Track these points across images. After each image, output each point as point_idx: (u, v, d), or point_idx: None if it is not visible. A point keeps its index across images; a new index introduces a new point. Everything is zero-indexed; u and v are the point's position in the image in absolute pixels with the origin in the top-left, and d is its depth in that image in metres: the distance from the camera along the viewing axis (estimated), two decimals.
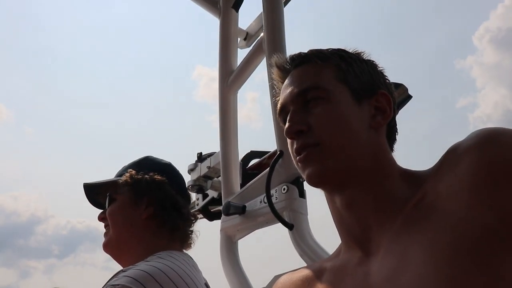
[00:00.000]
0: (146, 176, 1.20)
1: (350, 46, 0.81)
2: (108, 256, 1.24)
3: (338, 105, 0.73)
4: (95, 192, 1.28)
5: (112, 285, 0.94)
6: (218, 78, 1.97)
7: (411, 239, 0.62)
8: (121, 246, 1.18)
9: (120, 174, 1.25)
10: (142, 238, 1.16)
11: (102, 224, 1.25)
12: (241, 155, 2.01)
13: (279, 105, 0.79)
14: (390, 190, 0.70)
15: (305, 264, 1.35)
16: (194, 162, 2.22)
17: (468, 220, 0.58)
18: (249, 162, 2.09)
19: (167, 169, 1.26)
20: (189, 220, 1.24)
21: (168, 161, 1.31)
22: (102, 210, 1.25)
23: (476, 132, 0.64)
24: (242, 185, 1.83)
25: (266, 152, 2.09)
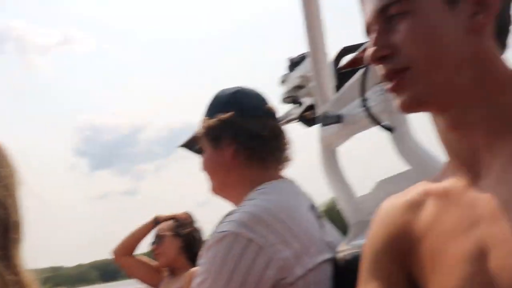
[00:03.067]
0: (212, 119, 1.22)
1: None
2: None
3: (426, 16, 0.64)
4: (193, 146, 1.39)
5: (218, 232, 1.02)
6: None
7: None
8: (225, 190, 1.26)
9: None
10: (238, 177, 1.21)
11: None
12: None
13: (364, 24, 0.72)
14: (502, 105, 0.62)
15: (407, 168, 1.31)
16: (285, 73, 2.15)
17: None
18: (341, 60, 1.95)
19: (232, 101, 1.24)
20: (275, 135, 1.24)
21: (236, 87, 1.29)
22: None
23: None
24: (338, 88, 1.75)
25: (361, 45, 1.92)
